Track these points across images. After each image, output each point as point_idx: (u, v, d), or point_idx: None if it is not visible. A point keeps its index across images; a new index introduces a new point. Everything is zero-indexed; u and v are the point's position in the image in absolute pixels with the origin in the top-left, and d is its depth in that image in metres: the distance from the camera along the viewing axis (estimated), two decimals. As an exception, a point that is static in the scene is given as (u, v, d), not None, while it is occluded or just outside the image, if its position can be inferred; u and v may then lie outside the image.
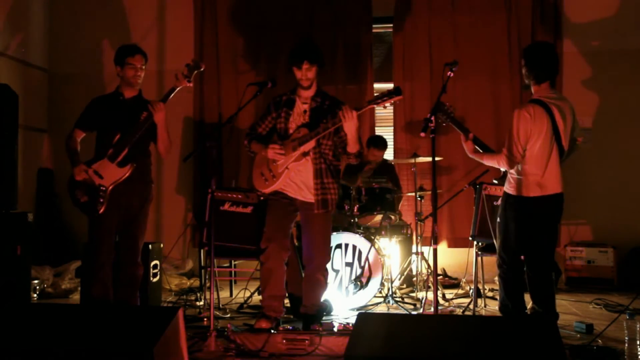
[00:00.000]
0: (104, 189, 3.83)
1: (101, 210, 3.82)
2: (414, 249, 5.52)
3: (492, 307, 4.69)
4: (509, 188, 3.94)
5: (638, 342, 3.30)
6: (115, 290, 3.95)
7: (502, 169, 4.19)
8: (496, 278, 4.59)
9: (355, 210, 4.92)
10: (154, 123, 3.87)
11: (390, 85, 6.42)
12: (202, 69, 3.99)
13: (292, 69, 3.97)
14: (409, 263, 5.51)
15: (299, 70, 3.93)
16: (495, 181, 4.33)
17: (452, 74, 3.80)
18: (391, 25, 6.59)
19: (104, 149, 3.90)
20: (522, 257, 3.94)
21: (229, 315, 4.54)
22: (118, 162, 3.85)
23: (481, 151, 4.01)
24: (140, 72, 3.98)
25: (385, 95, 3.74)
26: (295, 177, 3.99)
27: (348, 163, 4.05)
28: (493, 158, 3.93)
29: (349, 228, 4.95)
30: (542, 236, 3.88)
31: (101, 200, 3.82)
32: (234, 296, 5.34)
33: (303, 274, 4.17)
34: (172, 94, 3.93)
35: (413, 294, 5.24)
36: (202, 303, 4.79)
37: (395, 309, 4.72)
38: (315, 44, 4.07)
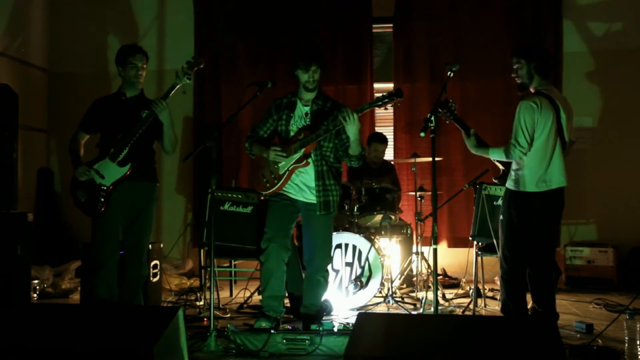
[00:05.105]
0: (104, 188, 3.83)
1: (102, 210, 3.81)
2: (414, 249, 5.52)
3: (492, 307, 4.69)
4: (511, 184, 3.92)
5: (638, 342, 3.29)
6: (119, 290, 3.92)
7: (502, 167, 4.18)
8: (496, 278, 4.59)
9: (355, 210, 4.92)
10: (156, 121, 3.85)
11: (390, 86, 6.43)
12: (202, 66, 3.97)
13: (297, 72, 3.94)
14: (409, 263, 5.51)
15: (305, 73, 3.91)
16: (495, 181, 4.32)
17: (452, 74, 3.79)
18: (391, 25, 6.59)
19: (106, 148, 3.90)
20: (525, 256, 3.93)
21: (229, 315, 4.54)
22: (119, 161, 3.84)
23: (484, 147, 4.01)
24: (142, 71, 3.97)
25: (387, 97, 3.74)
26: (297, 178, 4.00)
27: (350, 167, 4.05)
28: (500, 151, 3.92)
29: (349, 228, 4.95)
30: (545, 232, 3.87)
31: (102, 199, 3.82)
32: (234, 296, 5.34)
33: (303, 275, 4.17)
34: (173, 91, 3.90)
35: (413, 294, 5.24)
36: (202, 303, 4.79)
37: (395, 309, 4.72)
38: (319, 47, 4.04)
